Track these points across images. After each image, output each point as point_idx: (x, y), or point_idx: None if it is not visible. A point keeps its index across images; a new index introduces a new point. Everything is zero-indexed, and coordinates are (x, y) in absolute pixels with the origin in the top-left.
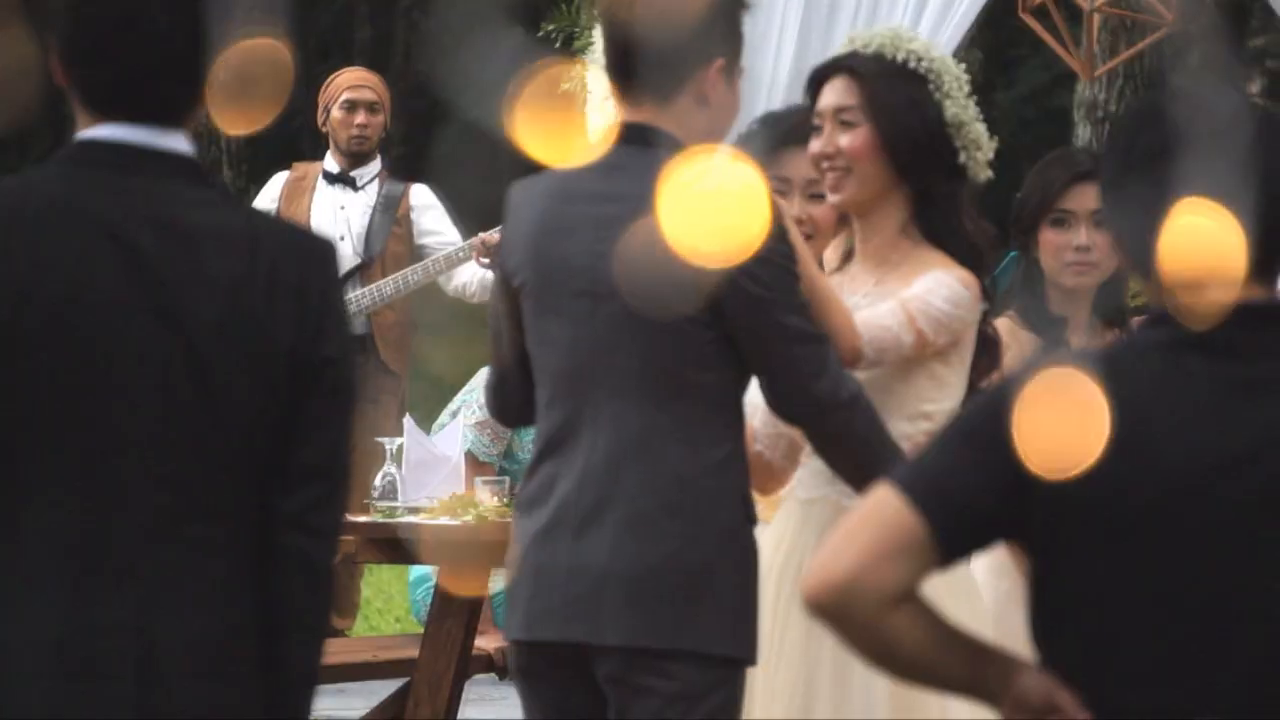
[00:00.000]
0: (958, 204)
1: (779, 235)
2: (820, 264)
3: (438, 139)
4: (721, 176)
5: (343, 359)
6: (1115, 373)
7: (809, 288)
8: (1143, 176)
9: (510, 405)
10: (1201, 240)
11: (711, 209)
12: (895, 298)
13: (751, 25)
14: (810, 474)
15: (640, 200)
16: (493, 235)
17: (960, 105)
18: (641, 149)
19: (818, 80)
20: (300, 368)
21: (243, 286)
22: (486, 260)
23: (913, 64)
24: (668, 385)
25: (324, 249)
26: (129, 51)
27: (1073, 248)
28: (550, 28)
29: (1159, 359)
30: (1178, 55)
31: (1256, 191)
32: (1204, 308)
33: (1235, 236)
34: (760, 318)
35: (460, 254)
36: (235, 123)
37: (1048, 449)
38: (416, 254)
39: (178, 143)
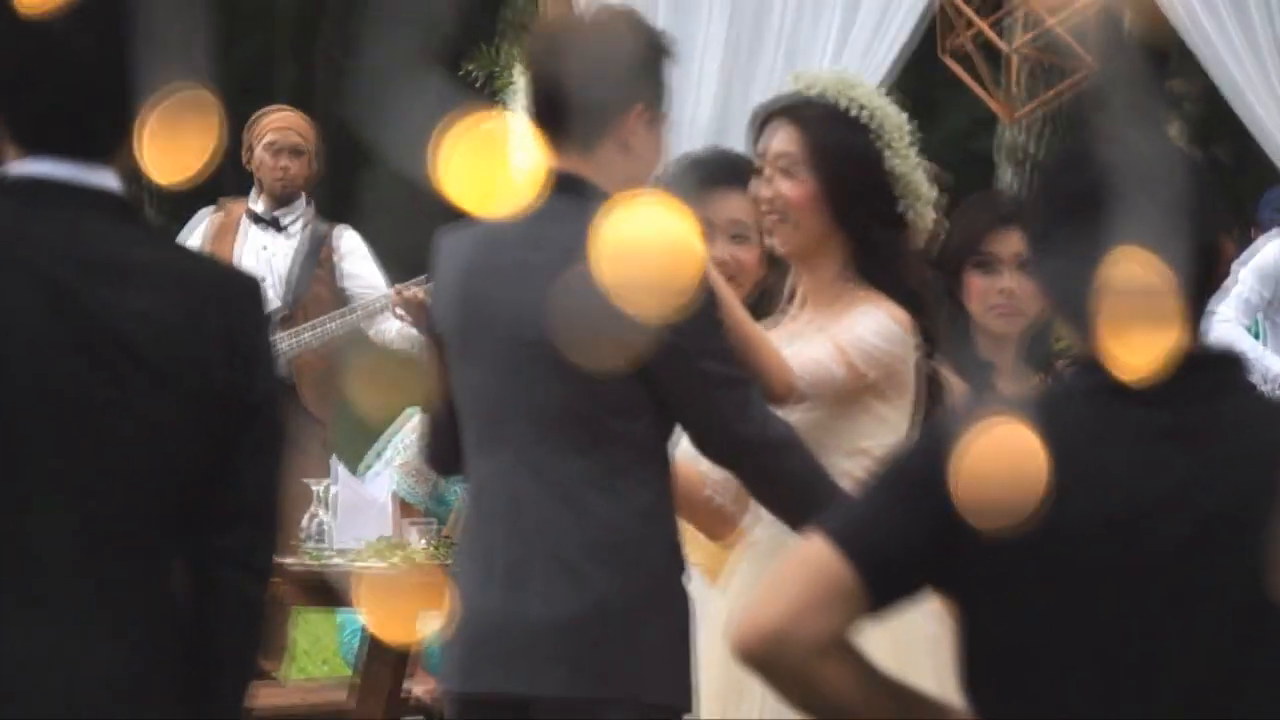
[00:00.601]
0: (897, 250)
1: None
2: (769, 308)
3: (360, 181)
4: (653, 223)
5: (275, 398)
6: (1046, 419)
7: (735, 330)
8: (1070, 222)
9: (442, 453)
10: (1135, 290)
11: (642, 257)
12: (826, 334)
13: (671, 67)
14: (754, 515)
15: (565, 247)
16: (410, 288)
17: (901, 156)
18: (568, 197)
19: (761, 122)
20: (233, 407)
21: (173, 325)
22: (402, 313)
23: (855, 112)
24: (591, 433)
25: (253, 287)
26: (53, 83)
27: (997, 292)
28: (470, 68)
29: (1089, 405)
30: (1098, 98)
31: (1185, 239)
32: (1136, 356)
33: (1168, 285)
34: (678, 365)
35: (379, 304)
36: (166, 172)
37: (985, 498)
38: (340, 297)
39: (105, 179)
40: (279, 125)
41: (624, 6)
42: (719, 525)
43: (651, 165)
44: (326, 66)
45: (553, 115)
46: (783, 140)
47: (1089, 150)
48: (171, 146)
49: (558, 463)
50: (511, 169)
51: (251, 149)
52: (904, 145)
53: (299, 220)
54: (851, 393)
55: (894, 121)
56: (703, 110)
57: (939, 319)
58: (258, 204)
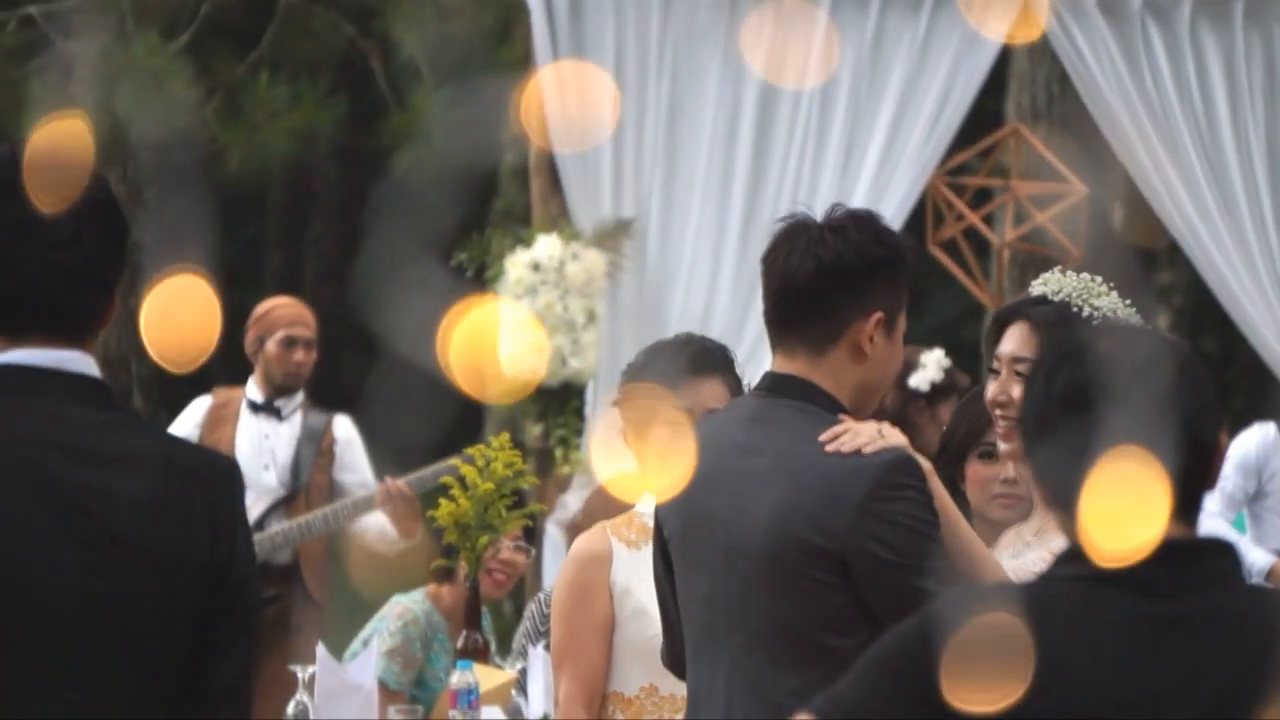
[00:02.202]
0: None
1: (914, 499)
2: None
3: (350, 369)
4: (860, 443)
5: (253, 579)
6: (1035, 608)
7: (959, 546)
8: (1064, 415)
9: (677, 656)
10: (1126, 483)
11: (830, 470)
12: (1047, 545)
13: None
14: None
15: (780, 455)
16: (397, 483)
17: None
18: (788, 402)
19: (1001, 322)
20: (215, 589)
21: (157, 509)
22: (389, 508)
23: (1096, 320)
24: (799, 648)
25: (231, 469)
26: (28, 261)
27: (999, 480)
28: (462, 257)
29: (1077, 595)
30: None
31: (1178, 433)
32: (1126, 547)
33: (1159, 479)
34: (892, 582)
35: (366, 503)
36: (174, 362)
37: (970, 685)
38: (336, 488)
39: (85, 365)
40: (293, 320)
41: (863, 210)
42: None
43: (888, 372)
44: (315, 255)
45: (786, 318)
46: (1016, 343)
47: (1084, 341)
48: (172, 333)
49: (770, 677)
50: (502, 357)
51: (262, 340)
52: None
53: (298, 408)
54: None
55: None
56: (694, 299)
57: None
58: (256, 392)
